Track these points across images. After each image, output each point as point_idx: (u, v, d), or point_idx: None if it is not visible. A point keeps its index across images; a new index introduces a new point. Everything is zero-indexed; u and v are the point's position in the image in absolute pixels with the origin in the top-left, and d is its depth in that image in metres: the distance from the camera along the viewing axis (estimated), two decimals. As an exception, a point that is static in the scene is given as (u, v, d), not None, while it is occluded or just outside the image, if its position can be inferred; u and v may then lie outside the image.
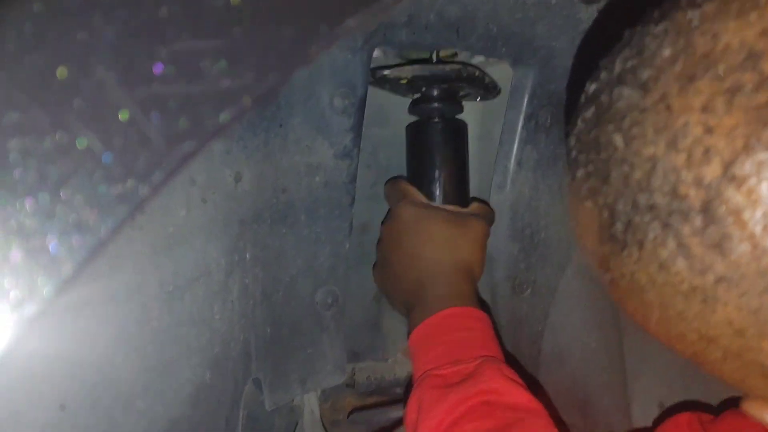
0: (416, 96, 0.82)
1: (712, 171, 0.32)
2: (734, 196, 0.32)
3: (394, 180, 0.82)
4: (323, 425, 0.90)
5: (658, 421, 0.98)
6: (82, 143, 0.26)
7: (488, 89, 0.81)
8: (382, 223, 0.80)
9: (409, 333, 0.71)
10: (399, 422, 0.83)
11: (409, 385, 0.79)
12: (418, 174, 0.81)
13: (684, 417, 0.52)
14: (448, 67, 0.77)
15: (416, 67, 0.76)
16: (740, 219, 0.32)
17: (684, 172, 0.34)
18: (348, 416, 0.95)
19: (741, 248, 0.33)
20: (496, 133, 0.83)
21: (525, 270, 0.87)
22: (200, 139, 0.27)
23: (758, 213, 0.32)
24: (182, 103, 0.26)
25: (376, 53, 0.74)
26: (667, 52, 0.35)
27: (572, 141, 0.43)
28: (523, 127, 0.81)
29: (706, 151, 0.32)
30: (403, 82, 0.77)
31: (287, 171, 0.70)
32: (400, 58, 0.80)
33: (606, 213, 0.39)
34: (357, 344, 0.87)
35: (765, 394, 0.40)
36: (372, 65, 0.72)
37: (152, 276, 0.61)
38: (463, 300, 0.70)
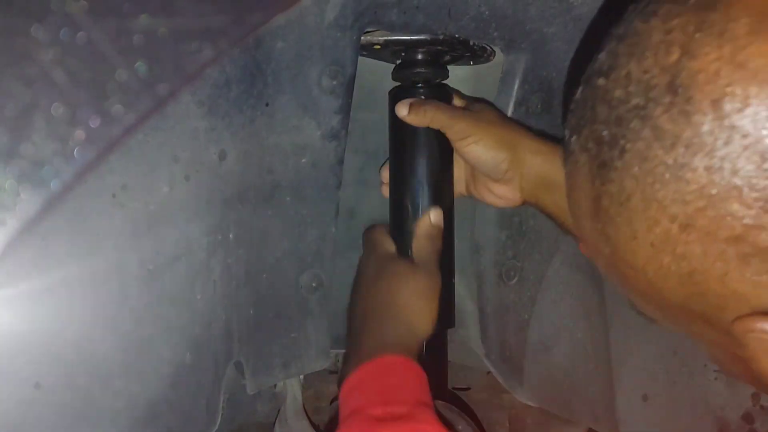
0: (398, 62, 0.80)
1: (673, 57, 0.41)
2: (691, 65, 0.40)
3: (370, 228, 0.82)
4: (306, 412, 0.89)
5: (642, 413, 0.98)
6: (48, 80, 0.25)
7: (476, 52, 0.79)
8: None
9: (340, 378, 0.70)
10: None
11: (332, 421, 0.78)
12: (399, 143, 0.79)
13: None
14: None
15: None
16: (699, 80, 0.39)
17: (653, 69, 0.41)
18: (331, 403, 0.94)
19: (702, 107, 0.39)
20: (486, 119, 0.82)
21: (512, 258, 0.86)
22: (175, 82, 0.25)
23: (711, 71, 0.39)
24: (156, 42, 0.25)
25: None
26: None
27: (568, 118, 0.48)
28: (513, 113, 0.80)
29: (668, 46, 0.41)
30: (377, 47, 0.75)
31: (273, 151, 0.69)
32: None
33: (585, 156, 0.45)
34: (341, 330, 0.86)
35: (752, 297, 0.42)
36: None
37: (132, 254, 0.59)
38: (400, 350, 0.69)
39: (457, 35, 0.74)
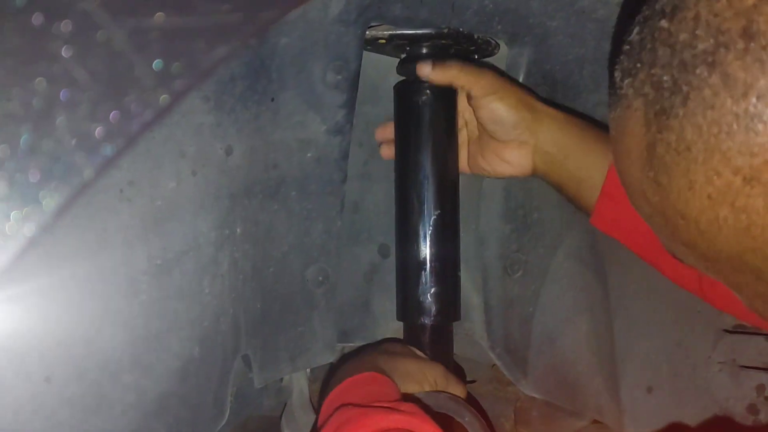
0: (403, 56, 0.79)
1: (749, 0, 0.39)
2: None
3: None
4: (312, 406, 0.89)
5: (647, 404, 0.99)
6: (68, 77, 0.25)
7: (480, 46, 0.79)
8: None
9: (320, 400, 0.70)
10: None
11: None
12: (405, 136, 0.79)
13: None
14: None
15: (393, 26, 0.74)
16: None
17: (725, 12, 0.40)
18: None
19: None
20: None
21: (517, 251, 0.87)
22: (192, 77, 0.26)
23: None
24: (172, 39, 0.25)
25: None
26: None
27: (620, 59, 0.47)
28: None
29: None
30: (382, 41, 0.75)
31: (278, 146, 0.70)
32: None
33: (651, 92, 0.43)
34: (347, 324, 0.87)
35: None
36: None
37: (141, 249, 0.60)
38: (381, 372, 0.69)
39: (461, 29, 0.74)
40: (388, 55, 0.81)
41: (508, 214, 0.85)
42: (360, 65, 0.71)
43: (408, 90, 0.78)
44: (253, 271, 0.70)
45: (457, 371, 0.80)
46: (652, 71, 0.43)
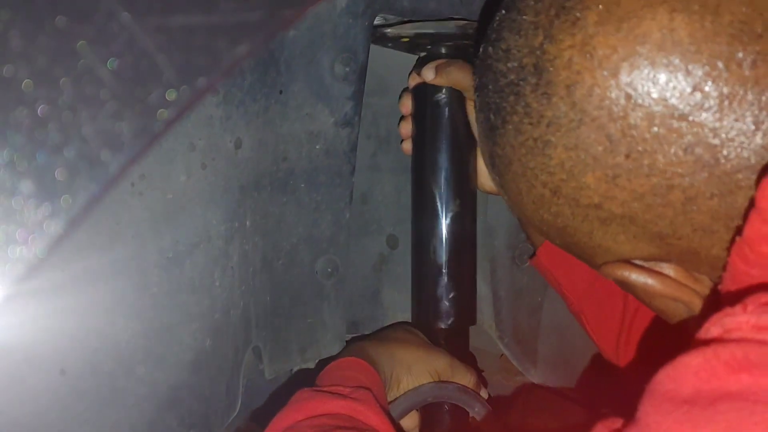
0: (422, 54, 0.78)
1: (538, 39, 0.44)
2: (550, 50, 0.43)
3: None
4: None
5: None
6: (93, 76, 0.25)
7: None
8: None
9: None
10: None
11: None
12: (422, 140, 0.77)
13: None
14: (452, 24, 0.73)
15: (418, 24, 0.73)
16: (556, 65, 0.43)
17: (524, 49, 0.45)
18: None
19: (558, 90, 0.43)
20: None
21: (525, 241, 0.87)
22: (214, 75, 0.26)
23: (566, 58, 0.42)
24: (195, 36, 0.25)
25: (378, 20, 0.73)
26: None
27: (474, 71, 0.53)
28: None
29: (535, 27, 0.44)
30: (405, 40, 0.75)
31: (288, 138, 0.70)
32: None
33: (482, 116, 0.49)
34: (356, 315, 0.87)
35: (614, 249, 0.48)
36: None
37: (152, 242, 0.60)
38: (371, 363, 0.69)
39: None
40: (407, 52, 0.80)
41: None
42: (368, 57, 0.71)
43: (425, 90, 0.76)
44: (263, 264, 0.70)
45: (471, 362, 0.80)
46: (485, 92, 0.49)
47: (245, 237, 0.67)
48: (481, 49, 0.50)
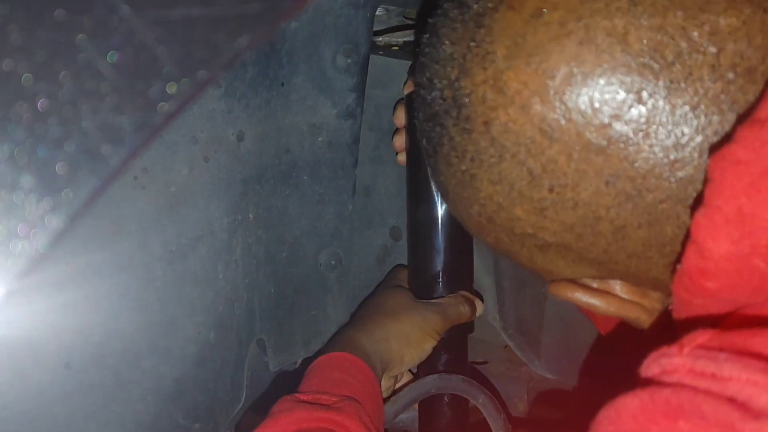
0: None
1: (454, 73, 0.43)
2: (465, 85, 0.42)
3: (397, 267, 0.84)
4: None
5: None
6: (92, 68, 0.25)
7: None
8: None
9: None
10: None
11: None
12: (416, 150, 0.74)
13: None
14: None
15: (408, 32, 0.73)
16: (472, 100, 0.42)
17: (443, 81, 0.43)
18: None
19: (477, 126, 0.42)
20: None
21: (529, 232, 0.86)
22: (216, 67, 0.26)
23: (480, 93, 0.41)
24: (195, 28, 0.25)
25: (379, 11, 0.72)
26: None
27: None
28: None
29: (451, 60, 0.43)
30: (395, 48, 0.75)
31: (290, 131, 0.70)
32: (404, 16, 0.78)
33: (423, 138, 0.48)
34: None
35: (557, 272, 0.47)
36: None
37: (155, 235, 0.60)
38: (359, 353, 0.68)
39: None
40: (401, 59, 0.79)
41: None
42: (369, 48, 0.70)
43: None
44: (266, 256, 0.70)
45: (474, 375, 0.79)
46: (420, 119, 0.48)
47: (248, 230, 0.67)
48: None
